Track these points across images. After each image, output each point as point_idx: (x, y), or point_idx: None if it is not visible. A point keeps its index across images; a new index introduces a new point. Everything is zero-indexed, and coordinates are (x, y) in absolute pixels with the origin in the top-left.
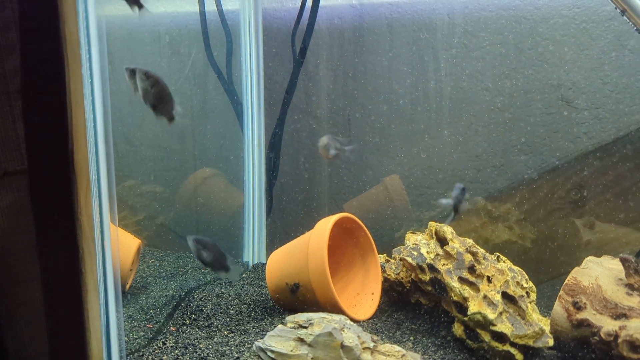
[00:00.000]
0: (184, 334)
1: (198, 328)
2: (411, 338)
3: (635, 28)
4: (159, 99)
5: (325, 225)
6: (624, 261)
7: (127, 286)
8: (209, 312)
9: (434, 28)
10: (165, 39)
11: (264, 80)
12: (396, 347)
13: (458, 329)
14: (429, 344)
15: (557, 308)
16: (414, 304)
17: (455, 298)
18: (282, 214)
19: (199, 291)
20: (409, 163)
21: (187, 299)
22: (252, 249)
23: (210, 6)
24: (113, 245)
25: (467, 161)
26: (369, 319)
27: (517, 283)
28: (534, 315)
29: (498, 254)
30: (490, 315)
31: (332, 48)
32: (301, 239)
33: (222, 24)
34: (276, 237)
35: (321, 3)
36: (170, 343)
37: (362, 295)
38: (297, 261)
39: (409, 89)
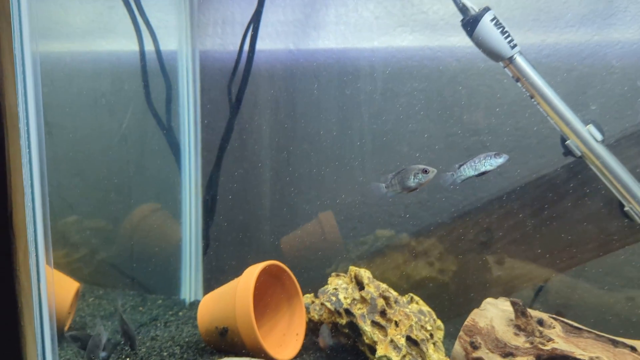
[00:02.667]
0: None
1: None
2: None
3: (527, 94)
4: None
5: (252, 273)
6: (513, 304)
7: (66, 327)
8: (143, 355)
9: (365, 74)
10: (107, 78)
11: (201, 123)
12: None
13: None
14: None
15: (457, 347)
16: (335, 343)
17: (367, 341)
18: (219, 253)
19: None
20: (343, 198)
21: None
22: (190, 286)
23: (151, 45)
24: (50, 297)
25: (396, 197)
26: (293, 358)
27: (422, 327)
28: (434, 355)
29: (412, 295)
30: (395, 358)
31: (271, 90)
32: (230, 285)
33: (160, 66)
34: (213, 275)
35: (261, 47)
36: None
37: (288, 336)
38: (225, 306)
39: (341, 130)
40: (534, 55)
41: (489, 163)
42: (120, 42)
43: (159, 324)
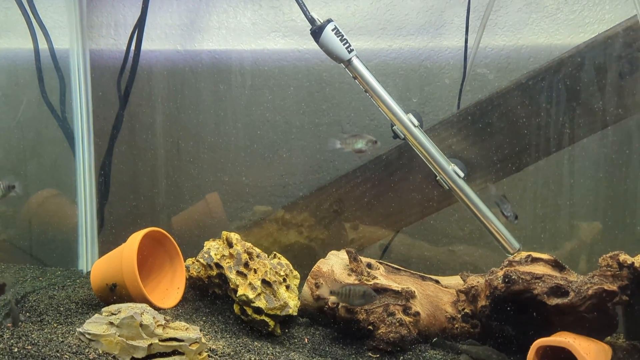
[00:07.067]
0: (18, 328)
1: (31, 323)
2: (204, 318)
3: (363, 89)
4: None
5: (135, 237)
6: (348, 252)
7: None
8: (41, 310)
9: (243, 72)
10: (2, 73)
11: (93, 114)
12: (182, 323)
13: (236, 308)
14: (216, 321)
15: (305, 288)
16: (211, 294)
17: (232, 286)
18: (113, 228)
19: (34, 294)
20: (230, 180)
21: (22, 300)
22: (86, 259)
23: (45, 44)
24: None
25: (275, 179)
26: (174, 307)
27: (276, 272)
28: (285, 294)
29: (275, 252)
30: (251, 295)
31: (160, 85)
32: (118, 249)
33: (53, 63)
34: (108, 249)
35: (151, 47)
36: (7, 335)
37: (170, 290)
38: (114, 266)
39: (227, 121)
40: (382, 58)
41: (365, 146)
42: (16, 41)
43: (56, 287)
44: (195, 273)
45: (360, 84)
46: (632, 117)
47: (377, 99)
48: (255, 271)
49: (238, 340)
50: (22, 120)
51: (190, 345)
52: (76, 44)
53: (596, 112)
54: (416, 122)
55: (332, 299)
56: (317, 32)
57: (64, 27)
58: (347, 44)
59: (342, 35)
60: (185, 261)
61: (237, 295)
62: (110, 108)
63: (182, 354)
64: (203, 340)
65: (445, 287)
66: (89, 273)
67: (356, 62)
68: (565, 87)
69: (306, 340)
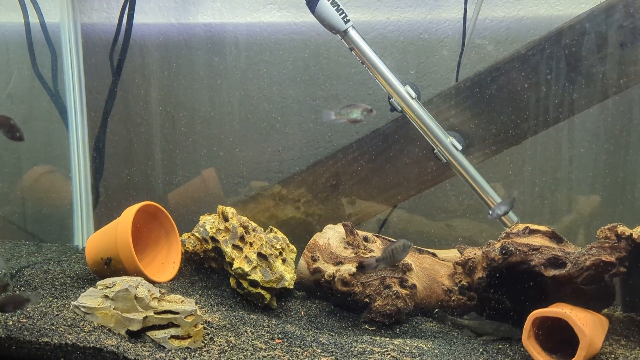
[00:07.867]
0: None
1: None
2: (200, 292)
3: (360, 61)
4: None
5: (130, 211)
6: (344, 226)
7: None
8: (36, 284)
9: (238, 45)
10: None
11: (85, 88)
12: (178, 296)
13: (232, 282)
14: (212, 295)
15: (301, 261)
16: (207, 268)
17: (228, 260)
18: (109, 203)
19: (29, 269)
20: (226, 155)
21: (17, 274)
22: (82, 235)
23: (35, 18)
24: None
25: (272, 155)
26: (170, 280)
27: (272, 246)
28: (281, 267)
29: (272, 227)
30: (247, 268)
31: (155, 59)
32: (113, 223)
33: (44, 36)
34: (104, 224)
35: (145, 21)
36: None
37: (166, 264)
38: (108, 240)
39: (222, 95)
40: (380, 30)
41: (361, 115)
42: (7, 15)
43: (52, 262)
44: (191, 247)
45: (357, 55)
46: (634, 88)
47: (374, 70)
48: (250, 245)
49: (234, 313)
50: (13, 94)
51: (185, 317)
52: (67, 18)
53: (597, 82)
54: (414, 94)
55: (329, 271)
56: (312, 1)
57: (55, 1)
58: (344, 14)
59: (338, 6)
60: (181, 236)
61: (232, 269)
62: (103, 82)
63: (177, 326)
64: (198, 312)
65: (442, 260)
66: (84, 249)
67: (352, 33)
68: (565, 57)
69: (302, 313)
